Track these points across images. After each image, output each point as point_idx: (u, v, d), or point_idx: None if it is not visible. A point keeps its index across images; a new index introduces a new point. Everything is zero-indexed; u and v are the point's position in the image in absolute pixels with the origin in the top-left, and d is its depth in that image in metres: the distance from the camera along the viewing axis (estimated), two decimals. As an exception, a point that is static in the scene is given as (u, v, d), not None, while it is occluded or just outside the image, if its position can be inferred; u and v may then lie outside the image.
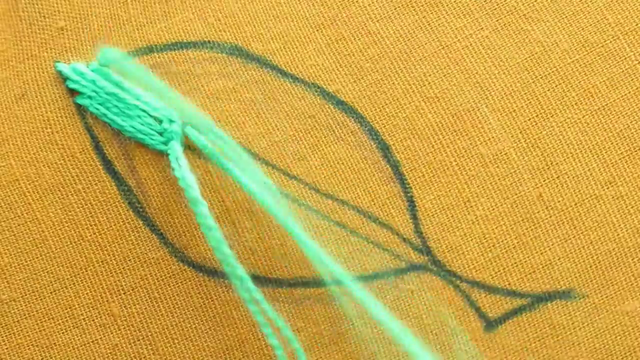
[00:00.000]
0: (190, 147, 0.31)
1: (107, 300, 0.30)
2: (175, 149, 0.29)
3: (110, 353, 0.30)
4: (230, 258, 0.27)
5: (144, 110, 0.31)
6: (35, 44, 0.32)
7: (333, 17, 0.31)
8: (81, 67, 0.31)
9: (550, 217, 0.30)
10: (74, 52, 0.32)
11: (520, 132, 0.30)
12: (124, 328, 0.30)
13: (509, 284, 0.29)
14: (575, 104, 0.30)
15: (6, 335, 0.30)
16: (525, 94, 0.30)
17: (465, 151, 0.30)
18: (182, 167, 0.29)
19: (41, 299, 0.30)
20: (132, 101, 0.31)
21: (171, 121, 0.31)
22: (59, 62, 0.31)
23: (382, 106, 0.30)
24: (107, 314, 0.30)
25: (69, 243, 0.30)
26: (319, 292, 0.30)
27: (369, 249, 0.30)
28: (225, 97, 0.31)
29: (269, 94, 0.31)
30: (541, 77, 0.30)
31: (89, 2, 0.32)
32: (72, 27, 0.32)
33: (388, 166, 0.30)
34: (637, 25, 0.31)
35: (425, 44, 0.31)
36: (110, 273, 0.30)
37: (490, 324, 0.29)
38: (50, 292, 0.30)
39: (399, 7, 0.31)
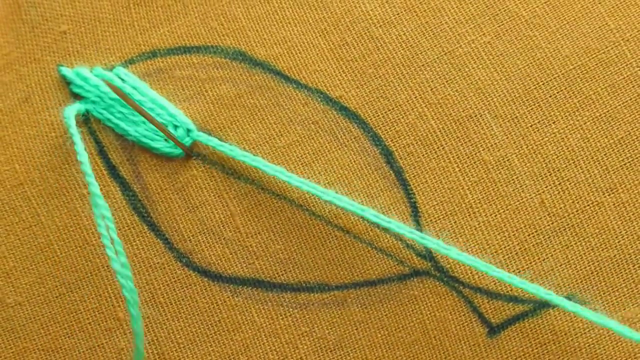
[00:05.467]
0: (192, 153, 0.31)
1: (112, 305, 0.30)
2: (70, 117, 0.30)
3: (115, 357, 0.30)
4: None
5: (148, 116, 0.31)
6: (38, 47, 0.32)
7: (336, 22, 0.31)
8: (85, 71, 0.31)
9: (552, 223, 0.30)
10: (77, 56, 0.32)
11: (522, 139, 0.30)
12: (130, 332, 0.30)
13: (511, 290, 0.30)
14: (577, 110, 0.30)
15: (12, 339, 0.30)
16: (527, 100, 0.30)
17: (468, 157, 0.30)
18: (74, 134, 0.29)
19: (47, 303, 0.30)
20: (137, 106, 0.31)
21: (176, 126, 0.31)
22: (62, 66, 0.31)
23: (385, 112, 0.30)
24: (113, 318, 0.30)
25: (74, 247, 0.30)
26: (323, 296, 0.30)
27: (373, 254, 0.30)
28: (229, 102, 0.31)
29: (272, 100, 0.31)
30: (543, 84, 0.30)
31: (92, 6, 0.32)
32: (75, 31, 0.32)
33: (391, 172, 0.30)
34: (638, 31, 0.31)
35: (428, 49, 0.31)
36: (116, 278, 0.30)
37: (493, 330, 0.30)
38: (56, 297, 0.30)
39: (401, 12, 0.31)
